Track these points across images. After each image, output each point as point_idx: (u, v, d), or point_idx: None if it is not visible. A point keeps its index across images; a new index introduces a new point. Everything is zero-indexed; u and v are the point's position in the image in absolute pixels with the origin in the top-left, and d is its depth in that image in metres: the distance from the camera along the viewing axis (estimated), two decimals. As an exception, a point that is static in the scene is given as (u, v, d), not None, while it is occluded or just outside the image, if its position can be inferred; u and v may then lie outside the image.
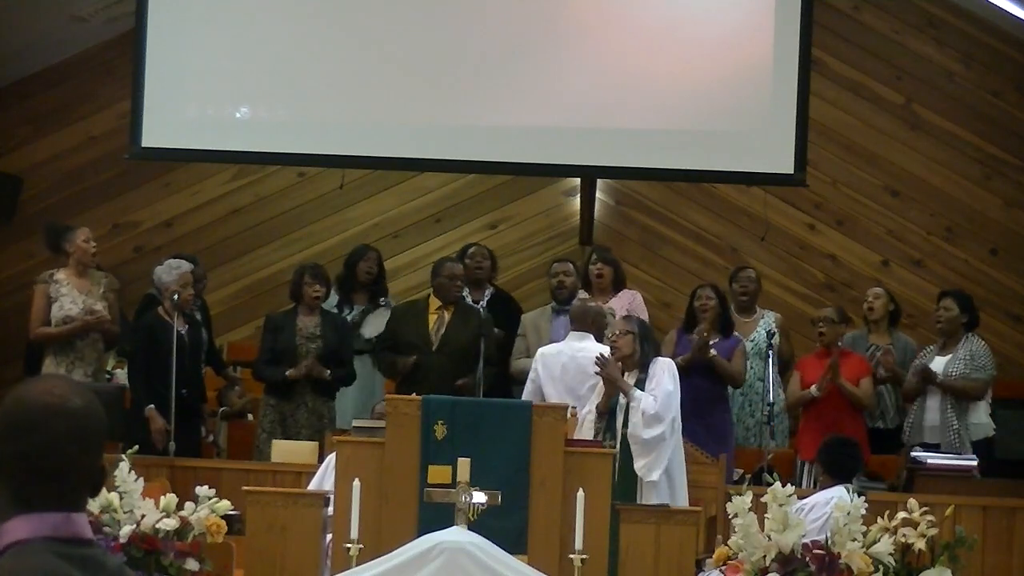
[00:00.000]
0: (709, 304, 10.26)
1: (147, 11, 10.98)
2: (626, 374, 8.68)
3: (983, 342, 10.30)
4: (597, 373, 8.65)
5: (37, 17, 12.16)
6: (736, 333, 10.38)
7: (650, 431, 8.40)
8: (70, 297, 9.95)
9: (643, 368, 8.65)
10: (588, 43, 10.89)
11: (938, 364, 10.11)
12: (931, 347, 10.39)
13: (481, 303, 10.71)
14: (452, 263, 10.44)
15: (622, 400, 8.59)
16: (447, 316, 10.20)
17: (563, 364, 9.22)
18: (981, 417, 10.09)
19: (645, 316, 10.28)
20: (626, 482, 8.42)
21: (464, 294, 10.64)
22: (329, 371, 10.20)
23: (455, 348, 10.08)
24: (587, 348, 9.20)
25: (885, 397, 10.53)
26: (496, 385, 10.07)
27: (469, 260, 10.83)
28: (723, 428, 9.98)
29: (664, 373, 8.60)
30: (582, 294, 10.05)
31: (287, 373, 10.14)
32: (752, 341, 10.51)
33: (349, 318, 10.79)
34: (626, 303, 10.41)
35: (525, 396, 9.28)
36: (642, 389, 8.56)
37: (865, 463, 9.85)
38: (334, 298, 10.86)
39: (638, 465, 8.40)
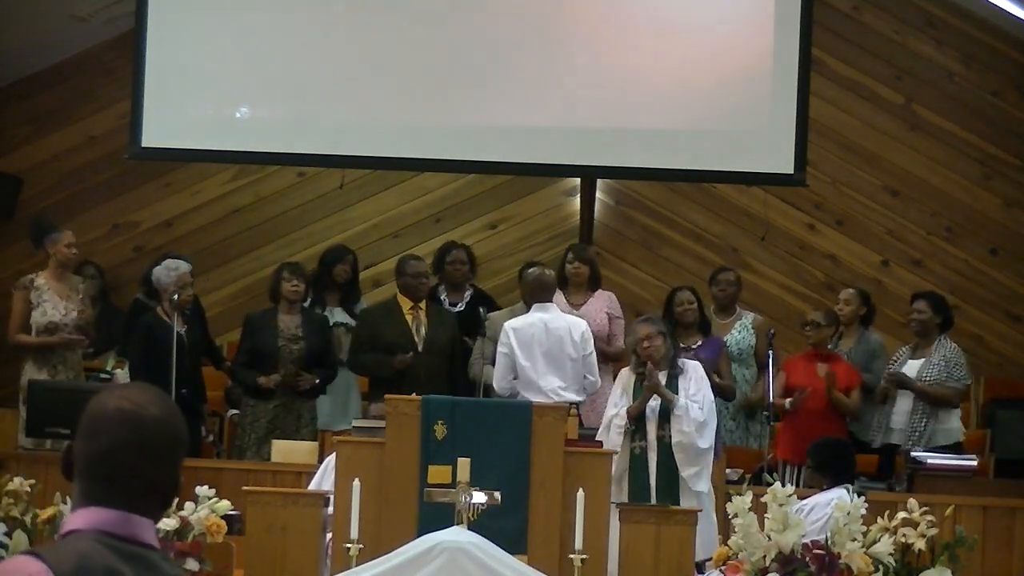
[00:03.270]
0: (691, 308, 10.28)
1: (147, 11, 10.99)
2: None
3: (956, 346, 10.24)
4: (646, 385, 8.66)
5: (37, 17, 12.16)
6: (718, 337, 10.38)
7: (703, 441, 8.50)
8: (51, 302, 9.92)
9: (672, 365, 8.71)
10: (588, 43, 10.90)
11: (912, 367, 10.07)
12: (904, 349, 10.35)
13: (460, 304, 10.71)
14: (416, 261, 10.42)
15: (651, 403, 8.63)
16: (422, 316, 10.19)
17: (538, 337, 9.31)
18: (952, 422, 10.05)
19: (622, 317, 10.34)
20: (669, 484, 8.48)
21: (442, 295, 10.66)
22: (318, 379, 10.19)
23: (439, 347, 10.10)
24: (556, 318, 9.42)
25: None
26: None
27: (449, 266, 10.80)
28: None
29: (703, 380, 8.70)
30: (533, 269, 10.08)
31: (259, 381, 10.11)
32: (725, 343, 10.51)
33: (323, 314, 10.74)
34: (604, 304, 10.40)
35: (499, 369, 9.37)
36: (675, 388, 8.62)
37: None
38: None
39: (687, 473, 8.50)
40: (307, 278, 10.50)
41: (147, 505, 2.58)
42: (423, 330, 10.14)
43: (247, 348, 10.32)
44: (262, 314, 10.48)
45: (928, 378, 9.97)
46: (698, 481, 8.53)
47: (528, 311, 9.77)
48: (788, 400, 10.00)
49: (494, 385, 9.49)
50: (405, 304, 10.21)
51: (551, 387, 9.24)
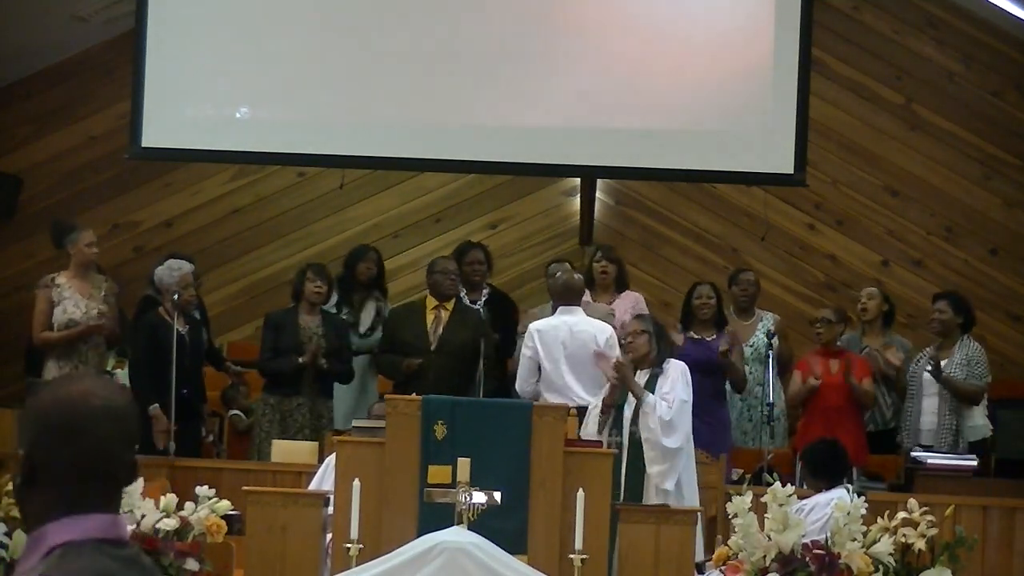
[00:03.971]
0: (709, 303, 10.26)
1: (147, 11, 10.98)
2: (639, 372, 8.71)
3: (979, 346, 10.26)
4: (611, 378, 8.68)
5: (37, 17, 12.16)
6: (732, 330, 10.36)
7: (670, 440, 8.45)
8: (72, 300, 9.92)
9: (657, 364, 8.70)
10: (588, 43, 10.89)
11: None
12: (927, 349, 10.37)
13: (478, 303, 10.71)
14: (445, 259, 10.46)
15: (630, 396, 8.62)
16: (444, 315, 10.20)
17: (563, 340, 9.32)
18: (977, 419, 10.09)
19: None
20: (636, 480, 8.45)
21: (461, 294, 10.66)
22: (326, 362, 10.18)
23: (454, 347, 10.08)
24: (581, 322, 9.42)
25: (880, 399, 10.51)
26: (498, 388, 10.07)
27: (467, 267, 10.79)
28: (722, 426, 9.98)
29: (679, 379, 8.65)
30: (557, 268, 10.10)
31: (300, 360, 10.10)
32: (751, 346, 10.50)
33: (345, 317, 10.78)
34: (630, 305, 10.42)
35: (522, 371, 9.43)
36: (654, 387, 8.60)
37: (863, 463, 9.86)
38: (333, 299, 10.84)
39: (654, 470, 8.44)
40: (330, 280, 10.53)
41: (120, 498, 2.54)
42: (440, 330, 10.14)
43: (271, 345, 10.32)
44: (283, 313, 10.51)
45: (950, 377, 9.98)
46: (664, 479, 8.45)
47: (553, 312, 9.80)
48: (811, 377, 10.00)
49: (517, 387, 9.51)
50: (430, 304, 10.24)
51: (575, 390, 9.24)
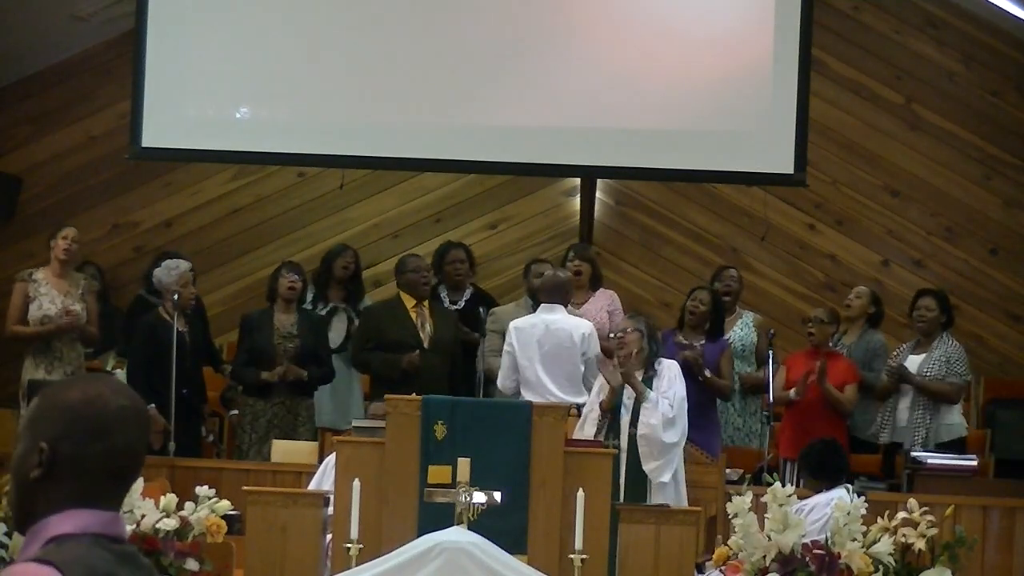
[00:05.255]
0: (700, 308, 10.22)
1: (147, 11, 10.99)
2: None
3: (958, 344, 10.25)
4: (621, 372, 8.66)
5: (37, 17, 12.16)
6: (725, 337, 10.34)
7: (669, 435, 8.45)
8: (49, 296, 9.94)
9: (649, 366, 8.69)
10: (588, 43, 10.90)
11: (912, 363, 10.09)
12: (904, 345, 10.37)
13: (459, 304, 10.71)
14: (415, 257, 10.45)
15: (625, 399, 8.61)
16: (426, 313, 10.19)
17: (538, 337, 9.34)
18: (954, 418, 10.07)
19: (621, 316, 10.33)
20: (637, 481, 8.45)
21: (442, 294, 10.66)
22: (307, 372, 10.17)
23: (445, 345, 10.10)
24: (560, 320, 9.43)
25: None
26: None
27: (449, 266, 10.79)
28: (711, 432, 9.92)
29: (676, 377, 8.66)
30: (546, 267, 10.11)
31: (262, 376, 10.11)
32: (726, 339, 10.49)
33: (323, 312, 10.73)
34: (606, 302, 10.42)
35: (503, 368, 9.44)
36: (649, 387, 8.60)
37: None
38: (310, 296, 10.83)
39: (649, 467, 8.43)
40: (305, 277, 10.51)
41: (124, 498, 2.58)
42: (428, 328, 10.14)
43: (246, 348, 10.32)
44: (258, 314, 10.49)
45: (928, 374, 9.97)
46: (660, 473, 8.42)
47: (533, 309, 9.79)
48: (793, 390, 9.98)
49: (498, 384, 9.51)
50: (408, 302, 10.21)
51: (549, 388, 9.25)
